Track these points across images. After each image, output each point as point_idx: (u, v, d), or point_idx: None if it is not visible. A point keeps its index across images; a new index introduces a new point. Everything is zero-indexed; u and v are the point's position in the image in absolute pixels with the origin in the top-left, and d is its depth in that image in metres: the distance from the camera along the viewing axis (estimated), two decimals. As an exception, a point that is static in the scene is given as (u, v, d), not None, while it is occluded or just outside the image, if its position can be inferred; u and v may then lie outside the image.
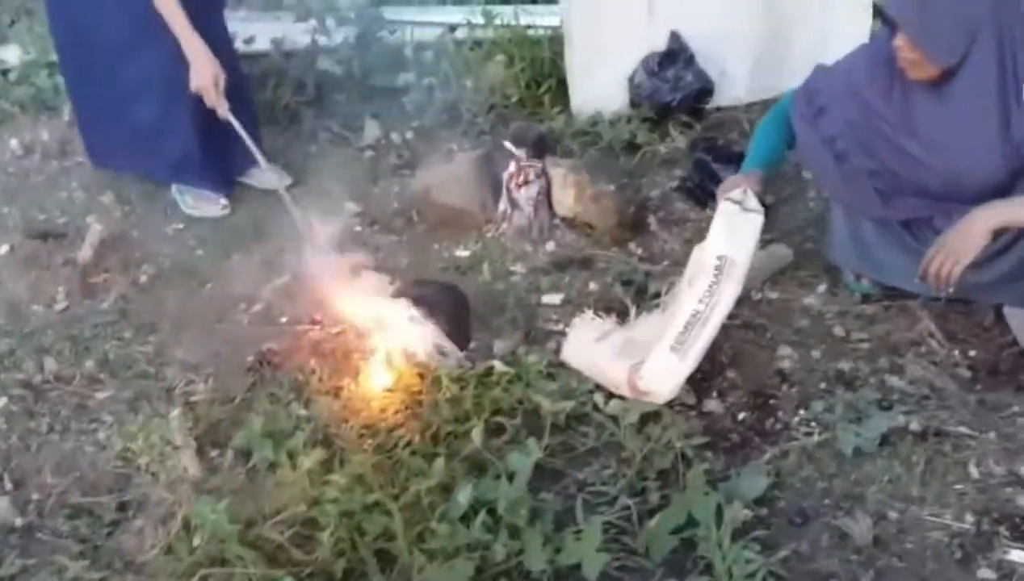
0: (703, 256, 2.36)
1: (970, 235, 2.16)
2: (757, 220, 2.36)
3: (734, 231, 2.35)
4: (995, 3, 2.11)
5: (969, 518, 1.97)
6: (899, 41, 2.18)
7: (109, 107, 3.12)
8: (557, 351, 2.50)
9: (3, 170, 3.53)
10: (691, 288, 2.33)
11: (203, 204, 3.25)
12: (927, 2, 2.14)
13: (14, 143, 3.64)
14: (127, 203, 3.29)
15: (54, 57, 3.89)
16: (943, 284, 2.19)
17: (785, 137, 2.56)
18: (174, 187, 3.28)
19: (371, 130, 3.67)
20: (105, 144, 3.27)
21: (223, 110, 2.91)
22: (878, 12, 2.25)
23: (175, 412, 2.31)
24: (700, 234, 2.93)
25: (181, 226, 3.19)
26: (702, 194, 3.09)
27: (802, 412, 2.28)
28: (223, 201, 3.25)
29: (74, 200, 3.33)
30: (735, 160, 3.02)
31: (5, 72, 4.03)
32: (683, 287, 2.41)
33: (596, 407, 2.30)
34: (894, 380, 2.33)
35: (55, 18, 3.13)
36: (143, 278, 2.93)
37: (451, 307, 2.53)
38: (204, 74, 2.87)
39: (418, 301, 2.46)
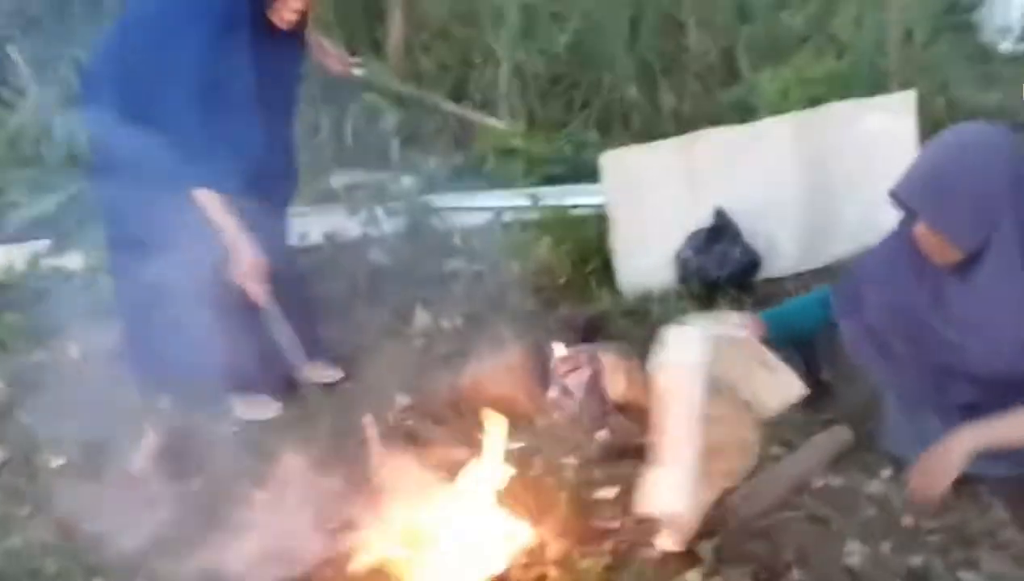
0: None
1: (947, 458, 2.18)
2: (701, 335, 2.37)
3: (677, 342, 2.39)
4: (1013, 180, 2.08)
5: None
6: (920, 229, 2.16)
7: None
8: (613, 552, 2.41)
9: (63, 378, 3.59)
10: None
11: (255, 407, 3.26)
12: (944, 188, 2.11)
13: (74, 350, 3.73)
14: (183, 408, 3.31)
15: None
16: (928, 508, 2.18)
17: (812, 315, 2.56)
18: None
19: (421, 318, 3.70)
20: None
21: (265, 302, 2.92)
22: (895, 199, 2.22)
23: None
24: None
25: (236, 429, 3.20)
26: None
27: (875, 615, 2.15)
28: (276, 403, 3.26)
29: (130, 407, 3.36)
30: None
31: (68, 278, 4.17)
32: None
33: (657, 615, 2.20)
34: (970, 577, 2.20)
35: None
36: (196, 488, 2.92)
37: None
38: (245, 263, 2.88)
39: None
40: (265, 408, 3.25)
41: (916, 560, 2.27)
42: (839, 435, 2.71)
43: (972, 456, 2.16)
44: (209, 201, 2.86)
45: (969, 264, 2.17)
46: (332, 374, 3.30)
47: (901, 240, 2.33)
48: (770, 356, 2.49)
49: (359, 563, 2.44)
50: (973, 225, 2.11)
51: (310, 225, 4.01)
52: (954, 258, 2.17)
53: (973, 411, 2.32)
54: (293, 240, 3.56)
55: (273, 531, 2.59)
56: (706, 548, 2.37)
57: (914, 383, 2.35)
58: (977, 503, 2.40)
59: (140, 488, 2.90)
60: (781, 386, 2.58)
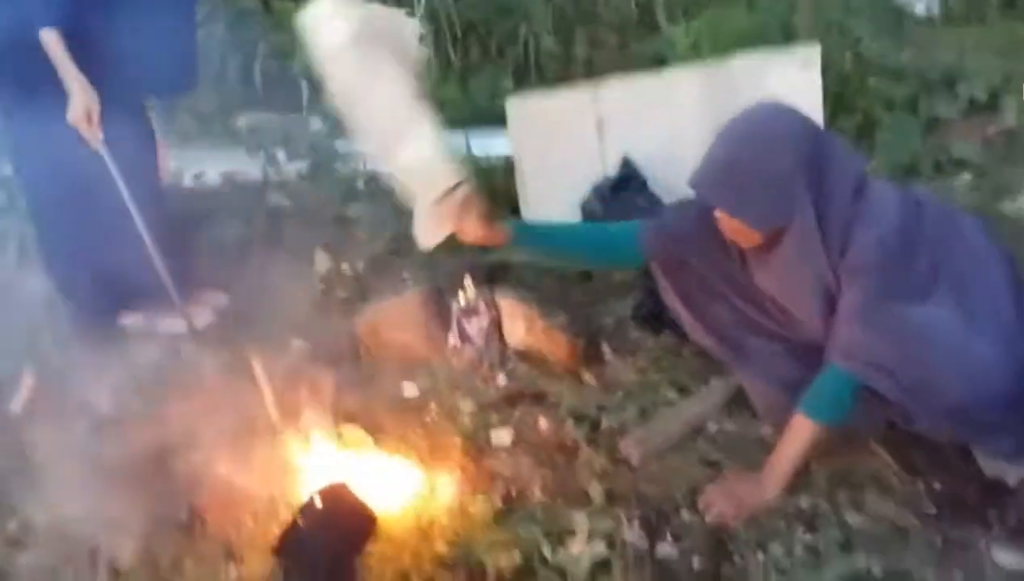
0: None
1: (766, 490, 2.27)
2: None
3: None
4: (806, 160, 2.08)
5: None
6: (719, 213, 2.17)
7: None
8: (505, 497, 2.39)
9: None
10: None
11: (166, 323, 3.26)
12: (737, 177, 2.10)
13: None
14: (65, 347, 3.19)
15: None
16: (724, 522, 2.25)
17: (601, 248, 2.58)
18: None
19: (321, 262, 3.61)
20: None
21: (96, 144, 2.91)
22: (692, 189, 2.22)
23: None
24: (655, 363, 2.87)
25: (121, 372, 3.09)
26: (656, 322, 3.02)
27: (760, 555, 2.15)
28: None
29: (12, 346, 3.22)
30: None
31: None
32: None
33: (543, 559, 2.17)
34: (855, 518, 2.22)
35: None
36: (77, 429, 2.81)
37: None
38: (78, 106, 2.86)
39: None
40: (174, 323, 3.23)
41: (804, 502, 2.29)
42: (733, 381, 2.71)
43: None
44: (53, 43, 2.81)
45: (771, 243, 2.19)
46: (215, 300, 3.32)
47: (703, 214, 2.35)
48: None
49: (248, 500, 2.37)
50: (770, 209, 2.11)
51: (208, 164, 3.87)
52: (756, 241, 2.19)
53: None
54: (187, 179, 3.44)
55: (158, 471, 2.50)
56: (596, 489, 2.36)
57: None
58: (866, 448, 2.42)
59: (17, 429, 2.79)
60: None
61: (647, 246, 2.47)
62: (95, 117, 2.89)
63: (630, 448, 2.50)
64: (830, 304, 2.17)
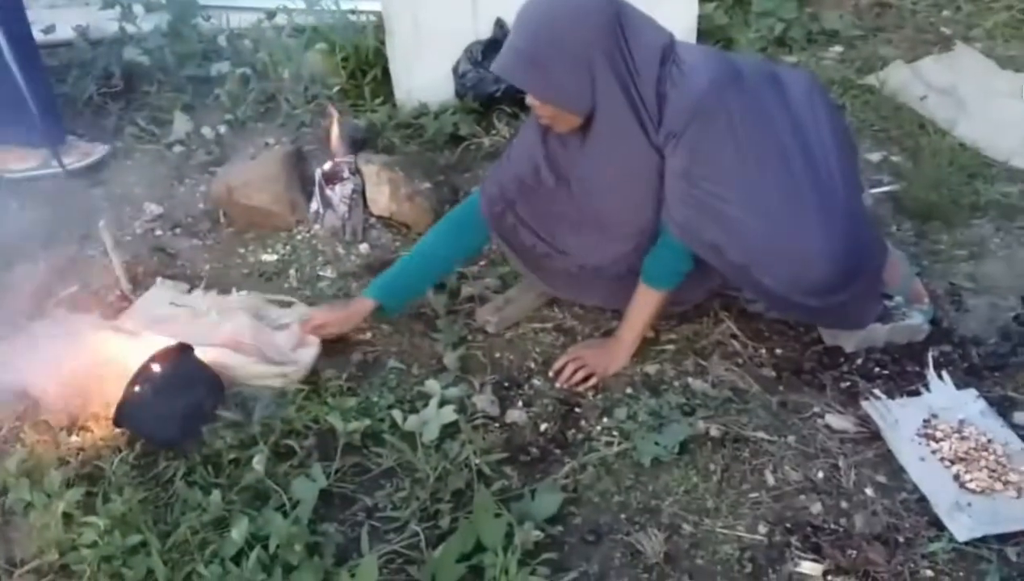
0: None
1: (615, 358, 2.33)
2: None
3: None
4: (596, 32, 2.03)
5: (762, 529, 1.92)
6: (530, 100, 2.13)
7: None
8: (359, 365, 2.38)
9: None
10: None
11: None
12: (538, 59, 2.04)
13: None
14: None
15: None
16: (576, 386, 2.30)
17: (450, 251, 2.48)
18: None
19: (180, 124, 3.45)
20: None
21: None
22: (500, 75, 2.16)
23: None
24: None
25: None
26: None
27: (605, 420, 2.21)
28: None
29: None
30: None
31: None
32: None
33: (395, 424, 2.18)
34: (698, 383, 2.28)
35: None
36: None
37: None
38: None
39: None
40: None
41: (651, 367, 2.34)
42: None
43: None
44: None
45: (588, 126, 2.15)
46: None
47: (528, 126, 2.32)
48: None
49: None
50: (575, 87, 2.06)
51: (59, 18, 3.63)
52: (573, 123, 2.15)
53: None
54: (36, 33, 3.21)
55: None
56: (451, 357, 2.37)
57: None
58: (711, 317, 2.47)
59: None
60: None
61: (486, 211, 2.40)
62: None
63: (486, 316, 2.50)
64: (648, 188, 2.15)
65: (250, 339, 2.32)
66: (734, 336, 2.41)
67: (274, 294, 2.61)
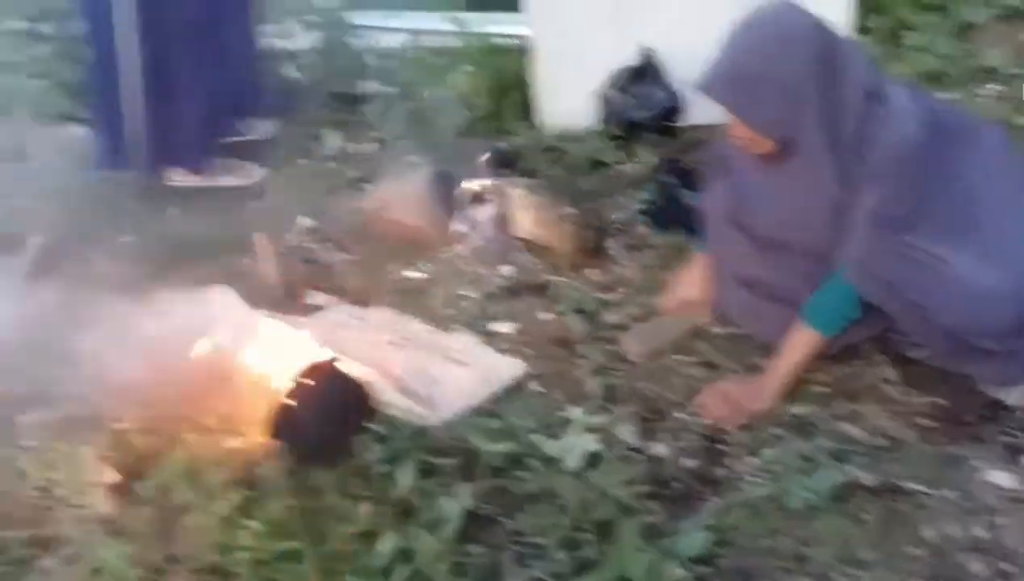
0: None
1: (762, 398, 2.26)
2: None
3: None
4: (809, 62, 2.00)
5: (919, 586, 1.86)
6: (731, 121, 2.11)
7: None
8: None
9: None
10: None
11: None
12: (745, 79, 2.03)
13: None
14: (75, 213, 3.17)
15: (11, 56, 3.83)
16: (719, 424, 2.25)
17: None
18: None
19: (331, 140, 3.55)
20: None
21: None
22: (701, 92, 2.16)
23: (96, 442, 2.17)
24: (661, 260, 2.84)
25: (128, 239, 3.07)
26: (664, 219, 2.98)
27: (752, 460, 2.16)
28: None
29: (20, 208, 3.19)
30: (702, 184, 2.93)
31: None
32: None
33: (537, 449, 2.19)
34: (851, 429, 2.22)
35: None
36: (85, 295, 2.80)
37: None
38: None
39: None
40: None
41: (800, 410, 2.28)
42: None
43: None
44: None
45: (783, 153, 2.12)
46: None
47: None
48: None
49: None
50: (778, 114, 2.04)
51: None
52: (767, 148, 2.12)
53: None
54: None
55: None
56: (593, 384, 2.36)
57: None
58: (866, 360, 2.41)
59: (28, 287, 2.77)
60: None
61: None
62: None
63: (630, 345, 2.49)
64: (835, 222, 2.11)
65: (403, 372, 2.36)
66: (890, 381, 2.33)
67: (425, 313, 2.65)
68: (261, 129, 3.52)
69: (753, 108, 2.06)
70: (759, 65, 2.04)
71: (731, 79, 2.06)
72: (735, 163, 2.33)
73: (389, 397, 2.29)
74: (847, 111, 2.03)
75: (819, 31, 2.06)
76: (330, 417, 2.18)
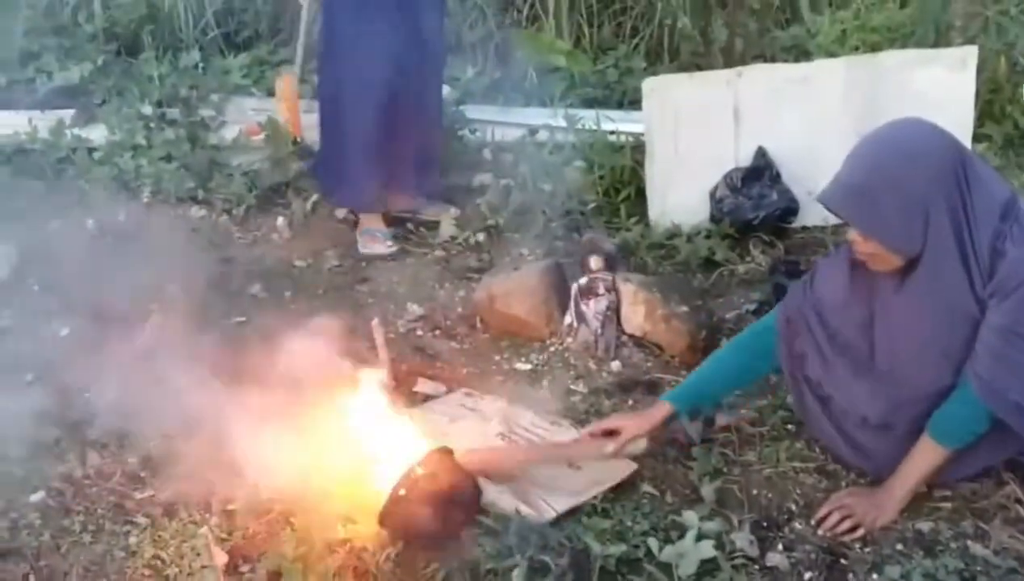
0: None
1: (884, 511, 2.18)
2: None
3: None
4: (938, 177, 1.97)
5: None
6: (852, 234, 2.07)
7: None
8: (615, 487, 2.36)
9: (77, 250, 3.54)
10: None
11: (375, 244, 3.49)
12: (870, 193, 2.00)
13: (90, 223, 3.68)
14: (192, 292, 3.27)
15: (139, 139, 4.01)
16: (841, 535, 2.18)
17: (744, 367, 2.47)
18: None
19: (446, 229, 3.62)
20: None
21: None
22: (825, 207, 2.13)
23: (208, 523, 2.20)
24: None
25: (243, 319, 3.16)
26: (779, 320, 2.94)
27: (875, 577, 2.08)
28: (389, 242, 3.51)
29: (141, 286, 3.31)
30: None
31: (90, 151, 4.10)
32: None
33: (650, 552, 2.14)
34: (978, 548, 2.12)
35: None
36: (198, 372, 2.88)
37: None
38: None
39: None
40: (381, 245, 3.48)
41: (924, 525, 2.20)
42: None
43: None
44: None
45: (907, 270, 2.08)
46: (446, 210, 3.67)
47: (830, 261, 2.30)
48: None
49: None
50: (905, 230, 2.01)
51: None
52: (892, 264, 2.08)
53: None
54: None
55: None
56: (708, 489, 2.31)
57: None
58: (992, 476, 2.31)
59: (144, 364, 2.85)
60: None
61: (781, 329, 2.38)
62: None
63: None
64: (961, 342, 2.06)
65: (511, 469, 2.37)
66: (1019, 501, 2.23)
67: (535, 407, 2.64)
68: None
69: (878, 222, 2.03)
70: (882, 178, 2.01)
71: (854, 193, 2.04)
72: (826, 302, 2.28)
73: (493, 496, 2.28)
74: (979, 227, 1.99)
75: (949, 147, 2.03)
76: (441, 508, 2.17)
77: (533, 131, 3.99)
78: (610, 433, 2.41)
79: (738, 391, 2.58)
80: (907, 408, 2.19)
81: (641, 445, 2.42)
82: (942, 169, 1.99)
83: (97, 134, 4.16)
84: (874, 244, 2.06)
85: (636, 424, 2.41)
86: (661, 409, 2.42)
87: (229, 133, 4.10)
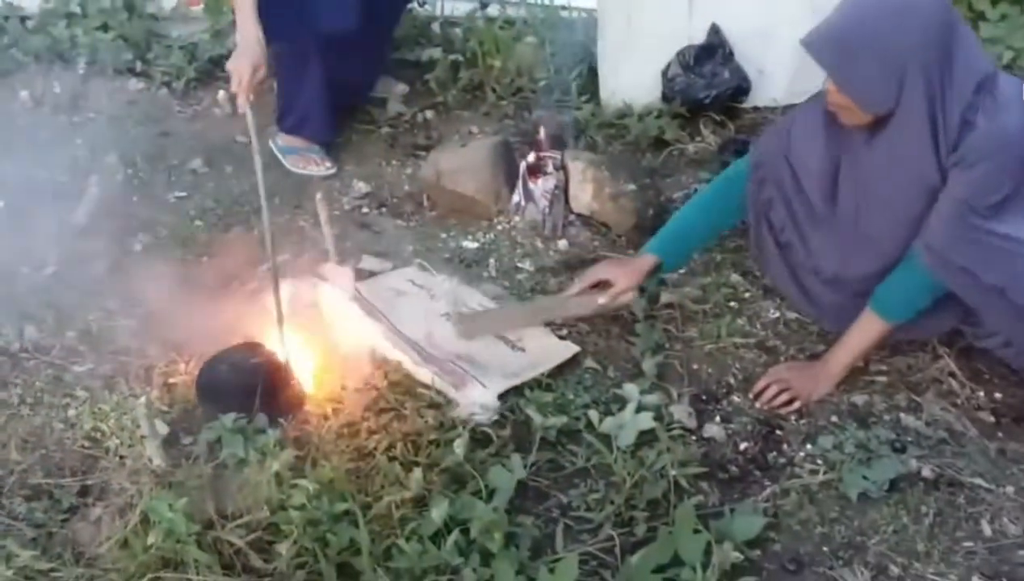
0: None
1: (820, 385, 2.25)
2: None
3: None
4: (921, 40, 1.93)
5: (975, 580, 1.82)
6: (828, 84, 2.04)
7: None
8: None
9: (10, 122, 3.43)
10: None
11: (309, 165, 3.24)
12: (852, 48, 1.95)
13: (24, 94, 3.55)
14: (131, 165, 3.19)
15: (74, 7, 3.84)
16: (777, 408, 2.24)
17: (721, 212, 2.45)
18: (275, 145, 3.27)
19: (394, 106, 3.54)
20: None
21: (242, 101, 2.58)
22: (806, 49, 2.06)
23: (147, 395, 2.18)
24: (720, 242, 2.80)
25: (183, 194, 3.09)
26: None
27: (809, 447, 2.13)
28: (327, 162, 3.24)
29: (78, 158, 3.22)
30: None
31: (23, 19, 3.93)
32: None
33: (590, 424, 2.17)
34: (910, 420, 2.18)
35: None
36: (137, 247, 2.83)
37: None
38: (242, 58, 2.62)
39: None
40: (317, 166, 3.24)
41: (859, 398, 2.25)
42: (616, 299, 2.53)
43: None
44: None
45: (877, 127, 2.06)
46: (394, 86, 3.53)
47: (806, 109, 2.24)
48: None
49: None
50: (879, 87, 1.97)
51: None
52: (862, 120, 2.05)
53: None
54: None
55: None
56: (649, 363, 2.33)
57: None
58: (928, 351, 2.36)
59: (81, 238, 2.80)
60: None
61: (751, 175, 2.36)
62: (257, 78, 2.58)
63: (458, 323, 2.47)
64: (921, 207, 2.06)
65: (448, 353, 2.38)
66: (952, 374, 2.29)
67: (481, 285, 2.64)
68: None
69: (854, 76, 1.99)
70: (867, 31, 1.96)
71: (836, 41, 1.98)
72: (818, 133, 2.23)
73: (425, 379, 2.29)
74: (952, 96, 1.96)
75: (939, 9, 1.97)
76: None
77: (484, 5, 3.87)
78: (597, 285, 2.44)
79: (712, 241, 2.64)
80: (859, 265, 2.20)
81: (630, 297, 2.44)
82: (926, 32, 1.93)
83: (29, 2, 3.97)
84: (846, 98, 2.04)
85: (627, 277, 2.42)
86: (646, 261, 2.43)
87: (168, 2, 3.93)
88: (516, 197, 2.98)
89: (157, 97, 3.64)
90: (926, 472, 2.03)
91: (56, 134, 3.36)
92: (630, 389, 2.25)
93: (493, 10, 3.87)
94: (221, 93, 3.59)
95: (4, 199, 2.95)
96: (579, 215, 2.94)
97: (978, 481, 2.02)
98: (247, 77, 2.54)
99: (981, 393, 2.25)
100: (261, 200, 2.29)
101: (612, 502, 1.97)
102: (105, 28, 3.82)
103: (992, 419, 2.19)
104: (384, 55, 3.54)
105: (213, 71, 3.74)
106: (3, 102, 3.55)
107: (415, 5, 3.78)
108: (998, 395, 2.25)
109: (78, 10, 3.88)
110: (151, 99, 3.63)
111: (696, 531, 1.84)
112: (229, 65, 2.59)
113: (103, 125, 3.37)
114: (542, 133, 2.98)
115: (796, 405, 2.23)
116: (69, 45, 3.78)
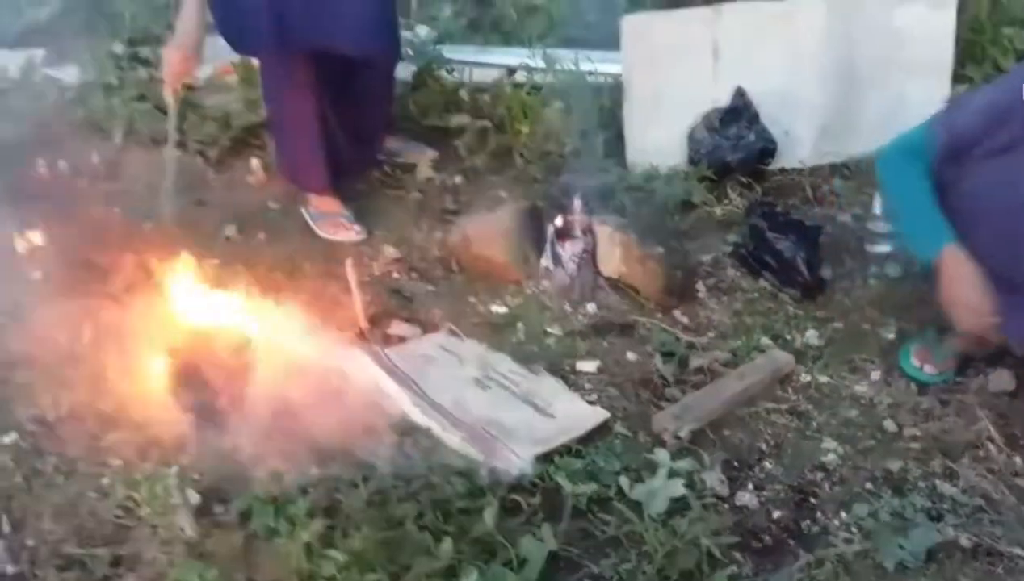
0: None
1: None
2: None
3: None
4: None
5: (1018, 656, 1.78)
6: None
7: None
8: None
9: (46, 193, 3.49)
10: None
11: (339, 231, 3.25)
12: None
13: (62, 164, 3.63)
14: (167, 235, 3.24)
15: (111, 79, 3.94)
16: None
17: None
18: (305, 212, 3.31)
19: (423, 171, 3.58)
20: None
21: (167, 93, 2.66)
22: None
23: (178, 465, 2.20)
24: (750, 305, 2.80)
25: (216, 262, 3.13)
26: (755, 263, 2.94)
27: (843, 515, 2.11)
28: (357, 227, 3.25)
29: (116, 229, 3.26)
30: (792, 228, 2.89)
31: (62, 91, 4.03)
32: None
33: (621, 491, 2.15)
34: (946, 487, 2.15)
35: None
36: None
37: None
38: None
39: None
40: (347, 231, 3.25)
41: (893, 464, 2.22)
42: (781, 360, 2.58)
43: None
44: None
45: None
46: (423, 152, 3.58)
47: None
48: None
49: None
50: None
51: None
52: None
53: None
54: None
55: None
56: (682, 430, 2.32)
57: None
58: (963, 415, 2.34)
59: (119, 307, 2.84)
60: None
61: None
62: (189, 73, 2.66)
63: (664, 423, 2.37)
64: None
65: (477, 418, 2.38)
66: (991, 439, 2.26)
67: (510, 350, 2.65)
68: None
69: None
70: None
71: None
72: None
73: (455, 445, 2.29)
74: None
75: None
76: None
77: (511, 71, 3.93)
78: None
79: None
80: None
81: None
82: None
83: (68, 74, 4.08)
84: None
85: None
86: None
87: (202, 73, 4.02)
88: (544, 261, 2.99)
89: (192, 166, 3.70)
90: (963, 541, 2.00)
91: (94, 204, 3.42)
92: (660, 455, 2.23)
93: (520, 76, 3.92)
94: (254, 161, 3.65)
95: (43, 269, 3.00)
96: (607, 279, 2.94)
97: (1016, 551, 1.99)
98: (177, 65, 2.55)
99: (1018, 459, 2.22)
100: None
101: (644, 572, 1.96)
102: (142, 98, 3.90)
103: (1030, 485, 2.16)
104: (386, 109, 3.53)
105: (247, 139, 3.80)
106: (43, 172, 3.62)
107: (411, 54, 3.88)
108: (1035, 461, 2.22)
109: (115, 81, 3.97)
110: (186, 167, 3.70)
111: (730, 603, 1.82)
112: (163, 52, 2.63)
113: (141, 195, 3.42)
114: (570, 197, 3.01)
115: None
116: (106, 115, 3.86)
